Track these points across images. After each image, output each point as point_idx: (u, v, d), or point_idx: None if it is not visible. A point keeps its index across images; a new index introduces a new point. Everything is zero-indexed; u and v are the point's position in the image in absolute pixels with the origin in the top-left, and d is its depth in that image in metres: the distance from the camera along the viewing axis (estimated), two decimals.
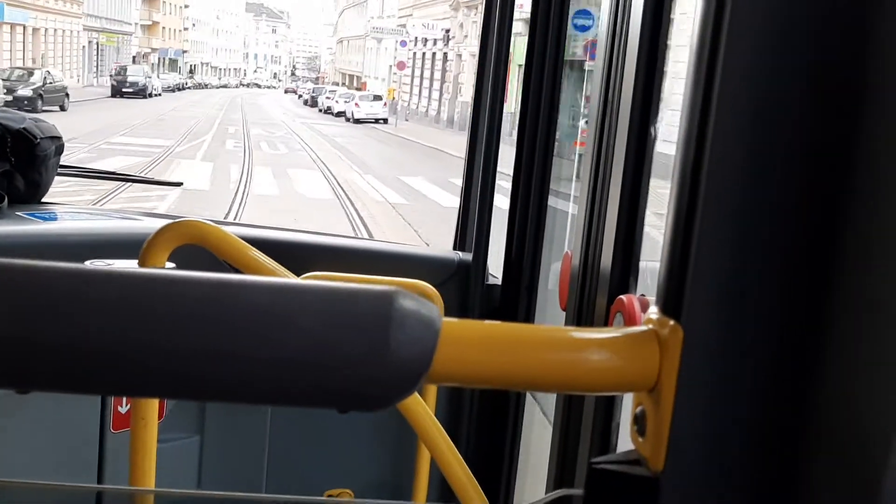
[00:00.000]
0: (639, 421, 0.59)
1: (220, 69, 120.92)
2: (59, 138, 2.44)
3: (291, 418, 2.25)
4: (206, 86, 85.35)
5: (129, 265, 1.67)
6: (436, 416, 1.63)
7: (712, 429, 0.57)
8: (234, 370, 0.49)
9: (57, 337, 0.48)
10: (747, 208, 0.55)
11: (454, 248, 2.45)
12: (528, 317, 2.13)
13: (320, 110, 48.46)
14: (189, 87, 75.10)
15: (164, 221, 1.63)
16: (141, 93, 45.73)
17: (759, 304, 0.56)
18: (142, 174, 4.65)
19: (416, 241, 10.34)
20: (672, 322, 0.56)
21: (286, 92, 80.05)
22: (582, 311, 1.52)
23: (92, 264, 1.60)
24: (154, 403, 1.61)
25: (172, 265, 1.57)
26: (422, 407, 1.59)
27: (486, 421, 2.28)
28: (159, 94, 50.80)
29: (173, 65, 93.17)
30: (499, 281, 2.29)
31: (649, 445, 0.58)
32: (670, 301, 0.57)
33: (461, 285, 2.29)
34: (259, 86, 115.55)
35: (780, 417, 0.56)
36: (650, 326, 0.58)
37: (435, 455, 1.60)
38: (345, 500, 2.27)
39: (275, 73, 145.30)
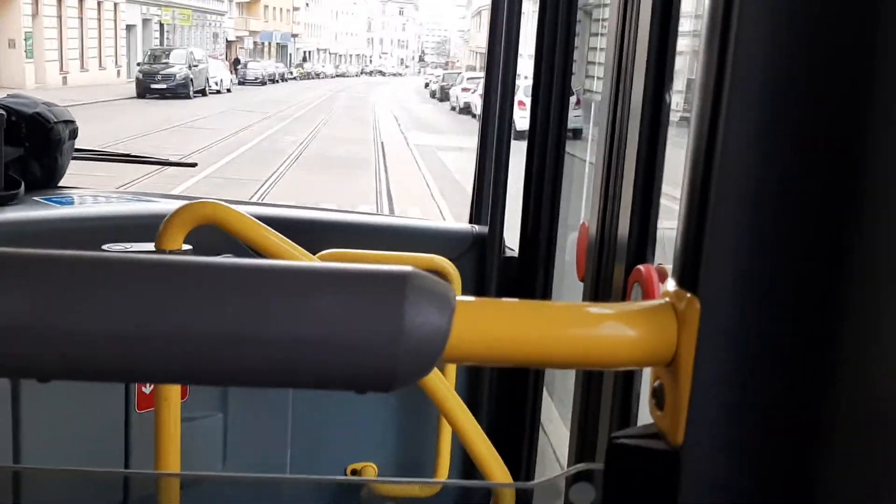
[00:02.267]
0: (657, 395, 0.60)
1: (340, 56, 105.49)
2: (72, 122, 2.52)
3: (314, 393, 2.23)
4: (316, 75, 75.98)
5: (146, 248, 1.76)
6: (455, 389, 1.70)
7: (731, 401, 0.57)
8: (251, 356, 0.50)
9: (74, 326, 0.49)
10: (762, 180, 0.55)
11: (470, 222, 2.49)
12: (546, 288, 2.17)
13: (453, 108, 34.76)
14: (293, 78, 64.68)
15: (181, 203, 1.71)
16: (181, 90, 26.32)
17: (776, 275, 0.56)
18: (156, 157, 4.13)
19: None
20: (689, 295, 0.56)
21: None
22: (599, 281, 1.57)
23: (109, 248, 1.80)
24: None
25: (189, 247, 1.66)
26: (442, 382, 1.67)
27: (506, 395, 2.32)
28: (221, 91, 36.71)
29: (282, 51, 78.75)
30: (515, 253, 2.33)
31: (668, 419, 0.59)
32: (687, 274, 0.57)
33: (478, 258, 2.33)
34: (383, 73, 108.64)
35: (798, 389, 0.56)
36: (667, 300, 0.59)
37: (456, 429, 1.70)
38: (365, 479, 2.34)
39: (401, 59, 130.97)
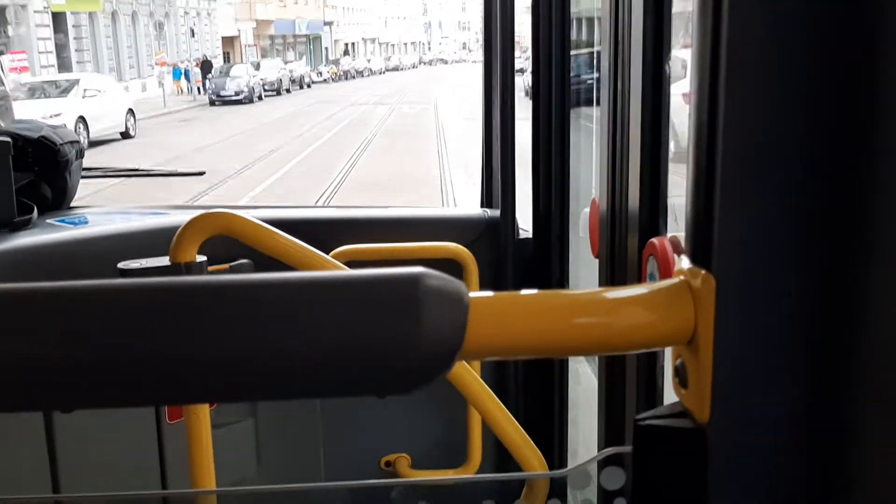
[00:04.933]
0: (680, 373, 0.60)
1: (392, 45, 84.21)
2: (78, 142, 2.66)
3: None
4: (357, 73, 59.91)
5: (161, 262, 1.89)
6: (482, 377, 1.82)
7: (755, 375, 0.57)
8: (269, 372, 0.50)
9: (98, 357, 0.49)
10: (768, 150, 0.54)
11: (481, 207, 2.59)
12: (563, 267, 2.28)
13: None
14: (322, 80, 49.54)
15: (193, 213, 1.84)
16: None
17: (790, 245, 0.55)
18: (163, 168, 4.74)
19: None
20: (703, 272, 0.56)
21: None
22: (614, 257, 1.60)
23: (125, 266, 1.91)
24: None
25: (203, 258, 1.79)
26: (469, 373, 1.77)
27: (533, 382, 2.42)
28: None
29: (314, 45, 67.02)
30: (529, 234, 2.43)
31: (693, 397, 0.58)
32: (700, 250, 0.57)
33: (492, 242, 2.41)
34: (445, 61, 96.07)
35: (821, 361, 0.56)
36: (682, 278, 0.59)
37: (486, 418, 1.80)
38: (397, 481, 2.45)
39: (464, 43, 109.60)
